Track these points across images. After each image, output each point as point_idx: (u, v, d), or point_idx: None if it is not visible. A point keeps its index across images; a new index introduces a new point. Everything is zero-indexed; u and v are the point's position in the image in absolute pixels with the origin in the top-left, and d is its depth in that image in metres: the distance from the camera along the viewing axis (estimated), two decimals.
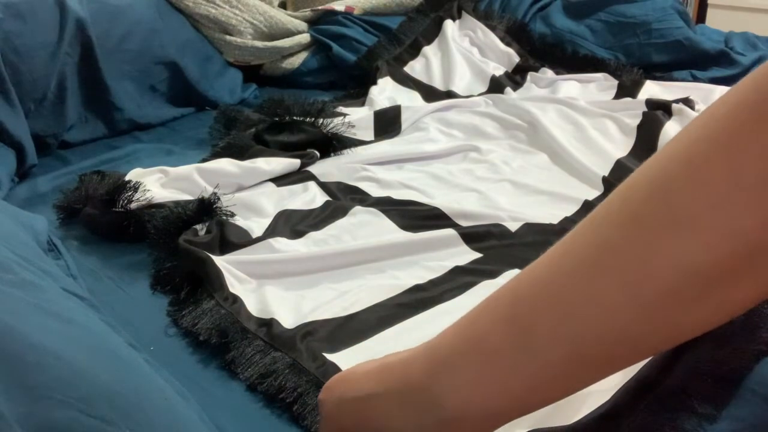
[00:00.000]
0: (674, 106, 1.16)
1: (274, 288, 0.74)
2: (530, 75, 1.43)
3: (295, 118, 1.11)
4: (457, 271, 0.77)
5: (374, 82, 1.37)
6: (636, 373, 0.59)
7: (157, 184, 0.92)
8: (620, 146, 1.09)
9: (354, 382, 0.44)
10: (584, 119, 1.18)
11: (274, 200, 0.94)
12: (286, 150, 1.05)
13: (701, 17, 2.50)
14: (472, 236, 0.83)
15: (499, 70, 1.45)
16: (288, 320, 0.68)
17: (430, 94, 1.37)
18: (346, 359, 0.62)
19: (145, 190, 0.87)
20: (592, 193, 0.96)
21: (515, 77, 1.44)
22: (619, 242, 0.32)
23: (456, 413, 0.36)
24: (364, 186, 0.98)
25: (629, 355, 0.34)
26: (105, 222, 0.85)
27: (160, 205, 0.85)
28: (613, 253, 0.32)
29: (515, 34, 1.56)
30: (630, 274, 0.31)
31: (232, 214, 0.88)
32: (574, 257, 0.34)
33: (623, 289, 0.31)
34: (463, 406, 0.36)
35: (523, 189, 0.98)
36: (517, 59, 1.50)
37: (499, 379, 0.35)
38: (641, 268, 0.31)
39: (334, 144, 1.09)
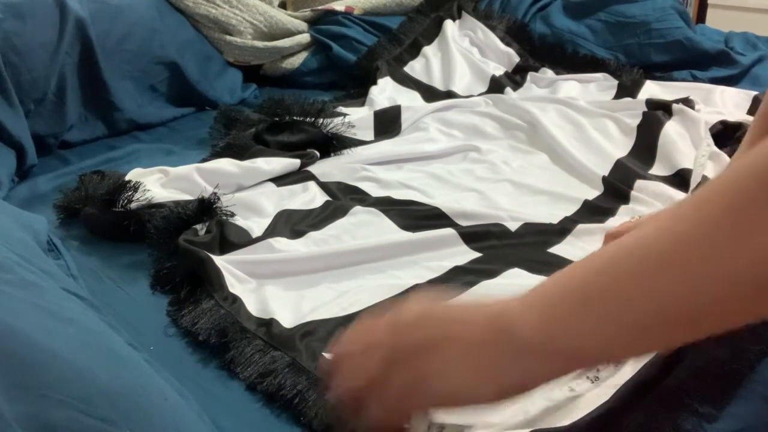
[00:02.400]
0: (674, 106, 1.16)
1: (274, 288, 0.74)
2: (530, 75, 1.43)
3: (295, 118, 1.11)
4: (456, 270, 0.77)
5: (374, 82, 1.36)
6: (636, 373, 0.59)
7: (157, 184, 0.92)
8: (620, 146, 1.09)
9: (449, 325, 0.42)
10: (584, 119, 1.18)
11: (274, 200, 0.94)
12: (286, 150, 1.05)
13: (701, 17, 2.50)
14: (471, 236, 0.83)
15: (499, 70, 1.45)
16: (287, 320, 0.68)
17: (430, 94, 1.37)
18: None
19: (145, 190, 0.87)
20: (592, 193, 0.96)
21: (515, 77, 1.44)
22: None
23: (543, 352, 0.38)
24: (364, 186, 0.98)
25: (716, 325, 0.35)
26: (105, 222, 0.85)
27: (160, 205, 0.85)
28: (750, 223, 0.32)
29: (515, 34, 1.56)
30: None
31: (232, 214, 0.88)
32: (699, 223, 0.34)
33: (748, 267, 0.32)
34: (554, 347, 0.38)
35: (523, 189, 0.98)
36: (517, 59, 1.50)
37: (597, 327, 0.37)
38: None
39: (334, 144, 1.09)
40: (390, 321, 0.43)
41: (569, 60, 1.48)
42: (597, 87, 1.37)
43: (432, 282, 0.75)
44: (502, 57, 1.51)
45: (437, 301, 0.44)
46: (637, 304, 0.35)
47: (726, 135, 1.13)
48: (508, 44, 1.53)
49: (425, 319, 0.43)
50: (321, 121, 1.10)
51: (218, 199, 0.87)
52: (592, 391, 0.57)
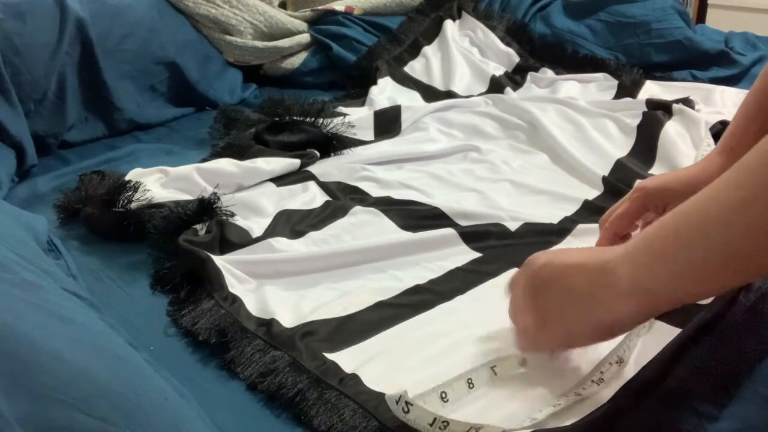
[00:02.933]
0: (674, 106, 1.16)
1: (274, 288, 0.74)
2: (530, 75, 1.43)
3: (295, 118, 1.11)
4: (457, 270, 0.77)
5: (374, 82, 1.37)
6: (636, 374, 0.59)
7: (157, 184, 0.91)
8: (620, 146, 1.10)
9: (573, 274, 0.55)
10: (584, 119, 1.18)
11: (274, 200, 0.94)
12: (286, 150, 1.05)
13: (701, 17, 2.50)
14: (471, 236, 0.83)
15: (499, 70, 1.45)
16: (288, 320, 0.68)
17: (430, 94, 1.37)
18: (347, 359, 0.62)
19: (145, 190, 0.87)
20: (592, 193, 0.96)
21: (515, 77, 1.44)
22: None
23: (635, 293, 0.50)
24: (364, 186, 0.98)
25: None
26: (105, 222, 0.85)
27: (160, 205, 0.85)
28: None
29: (515, 34, 1.56)
30: None
31: (232, 214, 0.88)
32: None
33: None
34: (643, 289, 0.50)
35: (522, 189, 0.98)
36: (517, 59, 1.50)
37: (671, 271, 0.48)
38: None
39: (334, 144, 1.09)
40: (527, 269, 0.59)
41: (569, 60, 1.48)
42: (597, 87, 1.37)
43: (432, 282, 0.75)
44: (502, 57, 1.51)
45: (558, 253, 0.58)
46: (701, 251, 0.46)
47: None
48: (508, 44, 1.53)
49: (549, 267, 0.57)
50: (321, 121, 1.10)
51: (218, 199, 0.87)
52: (598, 394, 0.57)
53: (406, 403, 0.52)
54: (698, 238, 0.46)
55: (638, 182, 0.75)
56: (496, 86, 1.38)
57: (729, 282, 0.49)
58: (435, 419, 0.52)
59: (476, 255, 0.80)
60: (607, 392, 0.57)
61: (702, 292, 0.51)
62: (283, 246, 0.81)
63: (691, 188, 0.65)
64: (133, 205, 0.85)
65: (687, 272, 0.47)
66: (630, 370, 0.60)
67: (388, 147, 1.13)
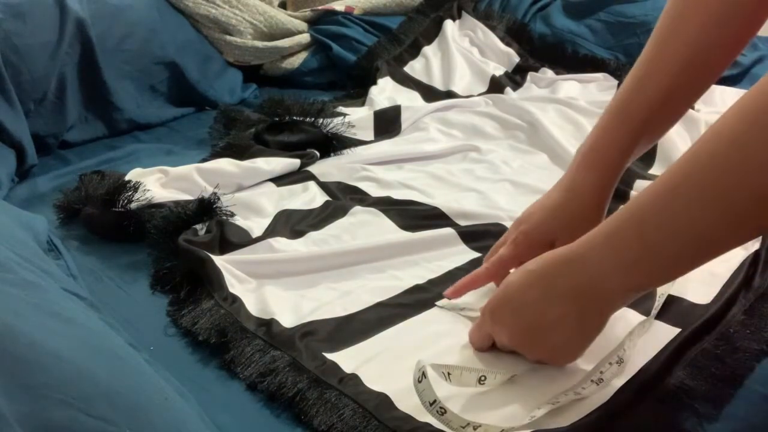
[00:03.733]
0: None
1: (274, 288, 0.74)
2: (530, 75, 1.43)
3: (295, 118, 1.11)
4: (456, 270, 0.77)
5: (374, 82, 1.36)
6: (636, 374, 0.60)
7: (157, 184, 0.92)
8: None
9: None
10: (584, 119, 1.18)
11: (273, 200, 0.94)
12: (286, 150, 1.05)
13: None
14: (470, 235, 0.84)
15: (499, 70, 1.45)
16: (288, 320, 0.68)
17: (430, 94, 1.37)
18: (346, 359, 0.62)
19: (145, 190, 0.87)
20: None
21: (515, 77, 1.44)
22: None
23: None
24: (363, 186, 0.98)
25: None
26: (105, 222, 0.85)
27: (160, 205, 0.85)
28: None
29: (515, 34, 1.56)
30: None
31: (232, 214, 0.88)
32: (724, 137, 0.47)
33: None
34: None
35: (522, 189, 0.98)
36: (517, 59, 1.50)
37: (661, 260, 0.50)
38: None
39: (334, 144, 1.09)
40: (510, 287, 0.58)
41: (569, 60, 1.48)
42: (597, 87, 1.37)
43: (432, 282, 0.75)
44: (502, 57, 1.51)
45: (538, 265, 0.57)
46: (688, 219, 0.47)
47: None
48: (508, 44, 1.53)
49: (542, 300, 0.56)
50: (321, 121, 1.10)
51: (218, 199, 0.87)
52: (596, 394, 0.57)
53: (423, 373, 0.54)
54: (698, 191, 0.46)
55: (512, 227, 0.72)
56: (496, 86, 1.38)
57: (738, 237, 0.48)
58: (435, 401, 0.53)
59: (475, 255, 0.80)
60: (606, 392, 0.57)
61: (705, 253, 0.50)
62: (283, 246, 0.81)
63: (567, 212, 0.66)
64: (133, 205, 0.85)
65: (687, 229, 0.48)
66: (630, 370, 0.60)
67: (388, 147, 1.13)
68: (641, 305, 0.69)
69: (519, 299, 0.58)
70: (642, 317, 0.67)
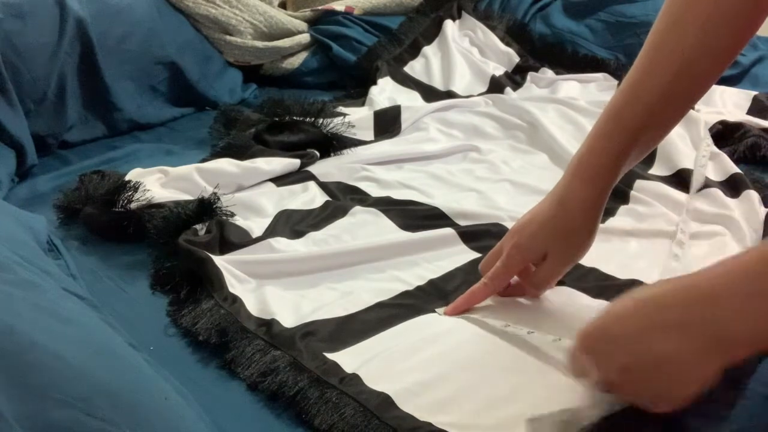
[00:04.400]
0: None
1: (274, 288, 0.74)
2: (530, 75, 1.43)
3: (295, 118, 1.11)
4: (456, 270, 0.77)
5: (374, 82, 1.36)
6: None
7: (157, 184, 0.91)
8: None
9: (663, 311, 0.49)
10: (584, 119, 1.18)
11: (274, 200, 0.94)
12: (286, 150, 1.05)
13: None
14: (470, 236, 0.83)
15: (499, 70, 1.45)
16: (288, 320, 0.68)
17: (430, 94, 1.37)
18: (347, 359, 0.62)
19: (145, 190, 0.87)
20: None
21: (515, 77, 1.44)
22: None
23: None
24: (363, 186, 0.98)
25: None
26: (105, 222, 0.85)
27: (160, 205, 0.85)
28: None
29: (515, 34, 1.56)
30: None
31: (232, 214, 0.88)
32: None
33: None
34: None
35: (522, 189, 0.98)
36: (517, 59, 1.50)
37: None
38: None
39: (334, 144, 1.09)
40: (618, 327, 0.51)
41: (569, 60, 1.48)
42: (597, 87, 1.37)
43: (432, 282, 0.75)
44: (502, 57, 1.51)
45: (652, 302, 0.50)
46: None
47: (726, 135, 1.13)
48: (508, 44, 1.53)
49: (649, 332, 0.49)
50: (321, 121, 1.10)
51: (218, 199, 0.87)
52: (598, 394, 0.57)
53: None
54: None
55: (506, 237, 0.70)
56: (496, 86, 1.38)
57: None
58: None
59: (475, 255, 0.80)
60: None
61: None
62: (283, 246, 0.81)
63: (559, 225, 0.65)
64: (133, 205, 0.85)
65: None
66: None
67: (388, 147, 1.13)
68: None
69: (619, 330, 0.50)
70: None
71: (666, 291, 0.49)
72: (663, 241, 0.83)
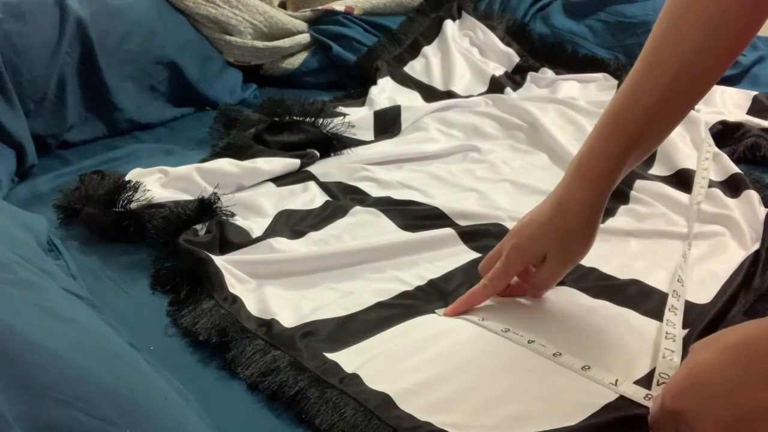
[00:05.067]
0: None
1: (274, 288, 0.74)
2: (530, 75, 1.43)
3: (295, 118, 1.11)
4: (456, 271, 0.77)
5: (374, 82, 1.36)
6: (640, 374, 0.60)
7: (157, 184, 0.91)
8: None
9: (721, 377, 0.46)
10: (584, 119, 1.18)
11: (274, 200, 0.94)
12: (286, 150, 1.05)
13: None
14: (470, 236, 0.83)
15: (499, 70, 1.45)
16: (288, 320, 0.68)
17: (430, 94, 1.37)
18: (347, 359, 0.62)
19: (145, 190, 0.87)
20: None
21: (515, 77, 1.44)
22: None
23: None
24: (363, 186, 0.98)
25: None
26: (105, 222, 0.85)
27: (160, 205, 0.85)
28: None
29: (515, 34, 1.56)
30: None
31: (232, 214, 0.88)
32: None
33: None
34: None
35: (522, 189, 0.98)
36: (517, 59, 1.50)
37: None
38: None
39: (334, 144, 1.09)
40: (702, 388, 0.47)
41: (569, 60, 1.48)
42: (597, 87, 1.37)
43: (432, 282, 0.75)
44: (502, 57, 1.51)
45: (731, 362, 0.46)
46: None
47: (726, 135, 1.13)
48: (508, 44, 1.53)
49: (753, 381, 0.45)
50: (321, 121, 1.10)
51: (218, 199, 0.87)
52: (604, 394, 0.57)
53: None
54: None
55: (506, 238, 0.69)
56: (496, 86, 1.38)
57: None
58: None
59: (475, 255, 0.80)
60: (613, 392, 0.57)
61: None
62: (283, 246, 0.81)
63: (558, 227, 0.65)
64: (133, 205, 0.85)
65: None
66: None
67: (388, 147, 1.13)
68: (643, 305, 0.69)
69: (715, 382, 0.46)
70: (648, 319, 0.67)
71: (757, 335, 0.46)
72: (663, 241, 0.84)
